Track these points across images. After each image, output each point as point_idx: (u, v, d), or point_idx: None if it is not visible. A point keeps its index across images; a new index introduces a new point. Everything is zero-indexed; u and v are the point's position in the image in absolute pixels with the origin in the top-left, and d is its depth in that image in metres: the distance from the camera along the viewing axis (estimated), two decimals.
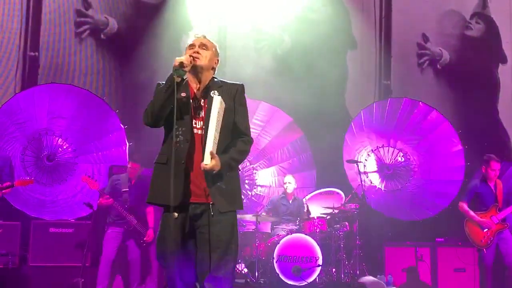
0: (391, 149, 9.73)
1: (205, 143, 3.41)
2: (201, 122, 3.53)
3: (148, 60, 9.08)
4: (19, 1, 9.07)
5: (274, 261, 7.44)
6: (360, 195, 8.28)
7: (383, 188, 9.64)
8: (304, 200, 8.85)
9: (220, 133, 3.46)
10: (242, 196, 9.04)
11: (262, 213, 8.31)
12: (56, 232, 7.60)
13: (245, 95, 3.72)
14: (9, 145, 8.07)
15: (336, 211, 8.07)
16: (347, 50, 10.65)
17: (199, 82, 3.62)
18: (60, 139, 8.46)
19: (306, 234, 7.74)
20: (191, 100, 3.56)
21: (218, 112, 3.43)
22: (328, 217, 8.16)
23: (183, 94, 3.53)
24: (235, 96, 3.63)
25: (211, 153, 3.36)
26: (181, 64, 3.41)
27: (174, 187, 3.36)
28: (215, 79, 3.67)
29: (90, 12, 9.42)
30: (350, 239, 8.06)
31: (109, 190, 7.21)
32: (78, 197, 8.24)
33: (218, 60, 3.73)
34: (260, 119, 9.36)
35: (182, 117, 3.51)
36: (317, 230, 7.95)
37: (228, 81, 3.70)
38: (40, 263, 7.44)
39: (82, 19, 9.37)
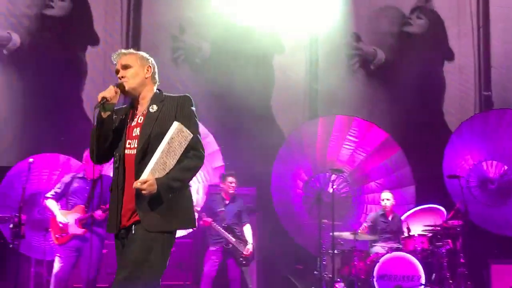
0: (494, 163, 9.35)
1: (138, 161, 3.24)
2: (135, 140, 3.31)
3: (239, 82, 9.22)
4: (119, 27, 9.55)
5: (374, 280, 7.29)
6: (463, 211, 7.98)
7: (487, 204, 9.25)
8: (402, 217, 8.63)
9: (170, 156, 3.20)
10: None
11: (360, 231, 8.17)
12: None
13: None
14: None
15: (438, 228, 7.82)
16: (444, 61, 10.39)
17: (140, 100, 3.42)
18: None
19: (407, 252, 7.54)
20: (128, 121, 3.38)
21: (172, 138, 3.15)
22: (430, 234, 7.91)
23: (116, 117, 3.36)
24: (176, 109, 3.36)
25: (144, 179, 3.13)
26: (104, 99, 3.20)
27: (117, 213, 3.29)
28: (158, 93, 3.45)
29: (184, 37, 9.75)
30: (453, 257, 7.78)
31: (206, 210, 7.39)
32: None
33: (149, 67, 3.45)
34: (354, 135, 9.23)
35: (118, 143, 3.36)
36: (419, 248, 7.73)
37: (172, 95, 3.46)
38: None
39: (178, 44, 9.77)
